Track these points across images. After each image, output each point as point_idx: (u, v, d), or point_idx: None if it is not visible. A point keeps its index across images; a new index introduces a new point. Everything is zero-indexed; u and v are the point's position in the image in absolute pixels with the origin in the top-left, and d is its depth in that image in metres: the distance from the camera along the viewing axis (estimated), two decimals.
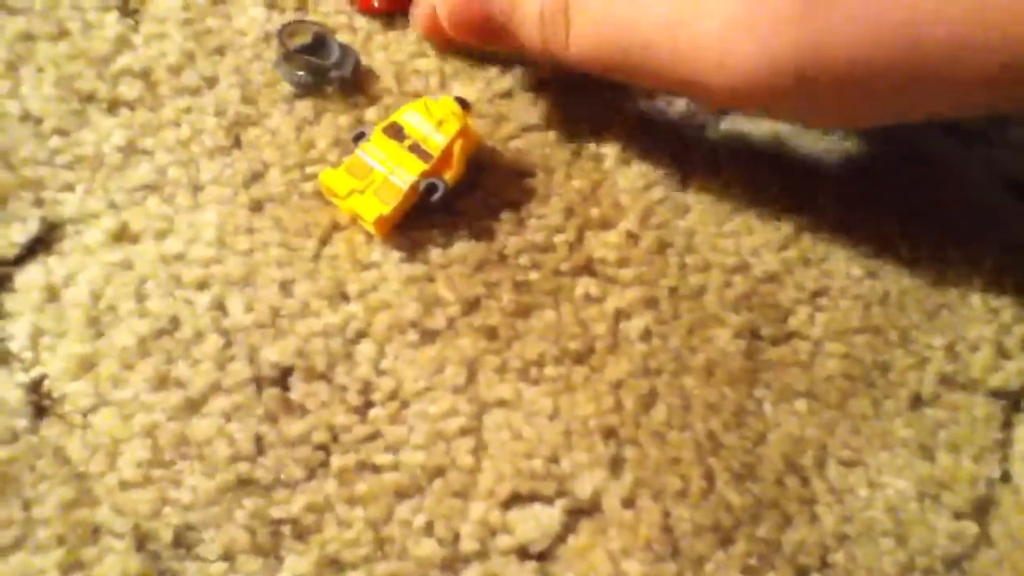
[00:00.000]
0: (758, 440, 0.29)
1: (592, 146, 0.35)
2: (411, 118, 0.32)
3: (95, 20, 0.36)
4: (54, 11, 0.36)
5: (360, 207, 0.30)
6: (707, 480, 0.28)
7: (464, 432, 0.28)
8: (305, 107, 0.35)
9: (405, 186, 0.31)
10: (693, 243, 0.33)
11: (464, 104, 0.33)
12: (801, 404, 0.30)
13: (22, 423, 0.27)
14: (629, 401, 0.29)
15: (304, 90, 0.35)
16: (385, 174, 0.31)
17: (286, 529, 0.27)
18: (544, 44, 0.31)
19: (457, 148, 0.32)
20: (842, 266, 0.33)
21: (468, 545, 0.27)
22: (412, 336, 0.30)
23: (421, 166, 0.31)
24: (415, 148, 0.31)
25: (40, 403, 0.28)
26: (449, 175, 0.31)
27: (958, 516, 0.29)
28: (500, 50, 0.34)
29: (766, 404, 0.30)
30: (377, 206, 0.30)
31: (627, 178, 0.34)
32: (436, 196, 0.31)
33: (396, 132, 0.32)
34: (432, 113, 0.32)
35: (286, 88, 0.35)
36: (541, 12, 0.30)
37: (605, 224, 0.33)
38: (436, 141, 0.31)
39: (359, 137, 0.32)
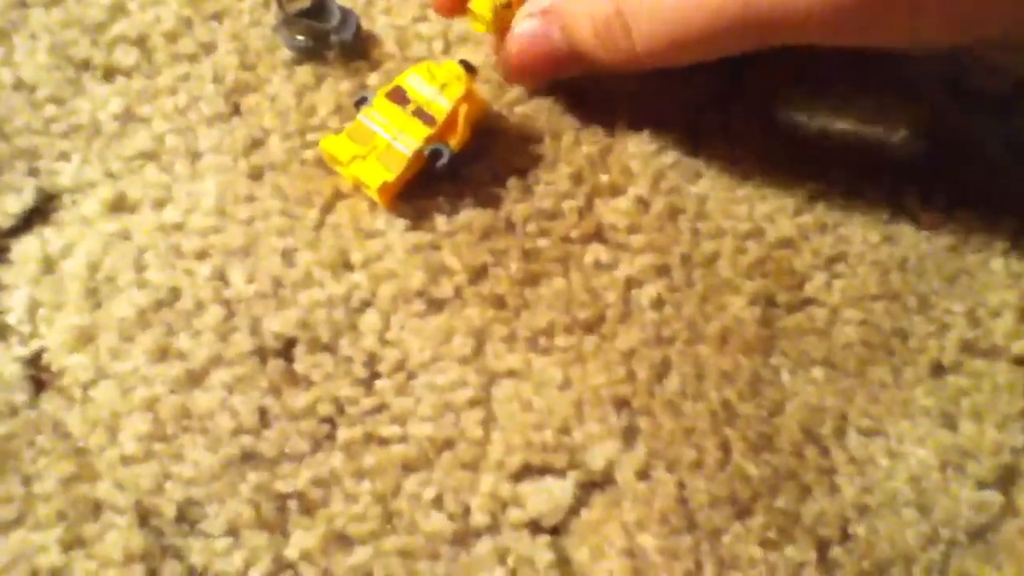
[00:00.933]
0: (775, 409, 0.29)
1: (601, 111, 0.34)
2: (414, 82, 0.31)
3: None
4: None
5: (363, 174, 0.30)
6: (723, 451, 0.28)
7: (473, 403, 0.28)
8: (305, 73, 0.34)
9: (409, 152, 0.30)
10: (705, 209, 0.32)
11: (469, 68, 0.32)
12: (819, 372, 0.29)
13: (21, 397, 0.27)
14: (642, 370, 0.29)
15: (304, 55, 0.34)
16: (388, 140, 0.30)
17: (292, 504, 0.26)
18: (610, 55, 0.30)
19: (462, 113, 0.31)
20: (859, 232, 0.32)
21: (479, 519, 0.26)
22: (418, 306, 0.29)
23: (425, 131, 0.30)
24: (419, 113, 0.30)
25: (39, 377, 0.27)
26: (454, 140, 0.30)
27: (982, 485, 0.28)
28: (581, 75, 0.32)
29: (783, 372, 0.29)
30: (381, 172, 0.29)
31: (637, 143, 0.33)
32: (441, 162, 0.30)
33: (399, 96, 0.31)
34: (436, 77, 0.31)
35: (286, 54, 0.34)
36: (594, 27, 0.30)
37: (615, 190, 0.32)
38: (440, 105, 0.30)
39: (361, 102, 0.31)
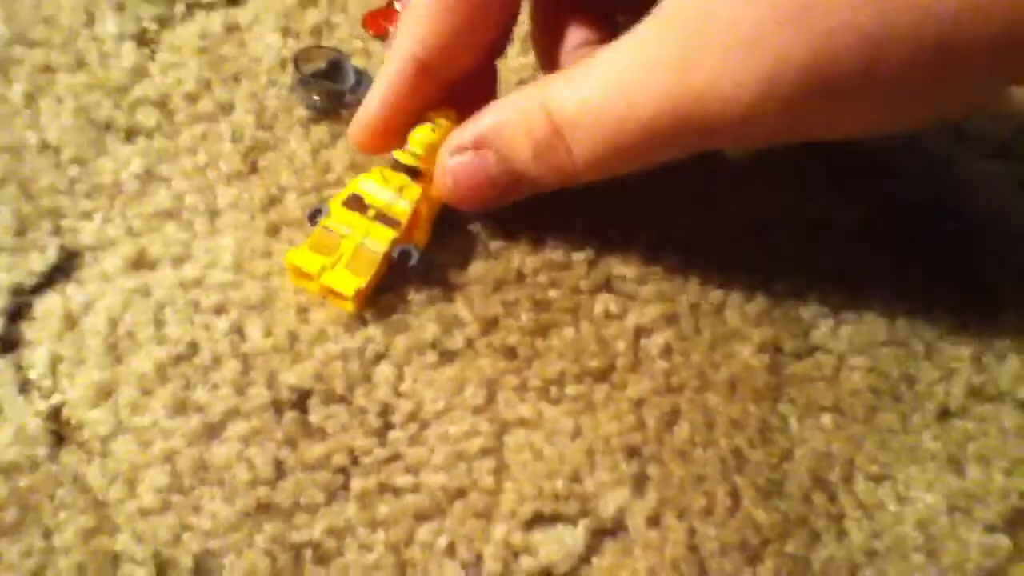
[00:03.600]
0: (784, 456, 0.29)
1: None
2: (369, 187, 0.31)
3: (112, 50, 0.36)
4: (73, 43, 0.36)
5: (335, 282, 0.29)
6: (733, 498, 0.28)
7: (485, 452, 0.28)
8: (321, 131, 0.35)
9: (379, 255, 0.30)
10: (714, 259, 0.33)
11: (414, 173, 0.31)
12: (827, 419, 0.30)
13: (42, 451, 0.27)
14: (652, 419, 0.29)
15: (320, 114, 0.35)
16: (355, 245, 0.30)
17: (307, 554, 0.26)
18: (553, 173, 0.29)
19: (424, 211, 0.31)
20: (865, 278, 0.32)
21: (491, 567, 0.26)
22: (431, 357, 0.30)
23: (391, 233, 0.30)
24: (380, 216, 0.30)
25: (59, 431, 0.28)
26: (420, 240, 0.31)
27: (990, 530, 0.28)
28: (523, 197, 0.31)
29: (791, 419, 0.29)
30: (352, 280, 0.29)
31: (649, 194, 0.34)
32: (412, 262, 0.30)
33: (357, 203, 0.30)
34: (389, 180, 0.31)
35: (302, 113, 0.35)
36: (534, 148, 0.29)
37: (625, 241, 0.33)
38: (402, 207, 0.30)
39: (316, 214, 0.31)
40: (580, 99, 0.28)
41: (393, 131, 0.32)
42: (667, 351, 0.30)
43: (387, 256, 0.30)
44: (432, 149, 0.31)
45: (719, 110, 0.26)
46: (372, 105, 0.32)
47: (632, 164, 0.29)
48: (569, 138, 0.28)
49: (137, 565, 0.26)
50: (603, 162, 0.29)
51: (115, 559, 0.26)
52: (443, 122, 0.32)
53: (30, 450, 0.27)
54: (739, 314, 0.31)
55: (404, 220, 0.30)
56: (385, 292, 0.30)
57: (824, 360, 0.31)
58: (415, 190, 0.31)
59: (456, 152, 0.30)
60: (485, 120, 0.30)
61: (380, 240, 0.30)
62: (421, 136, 0.31)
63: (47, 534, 0.26)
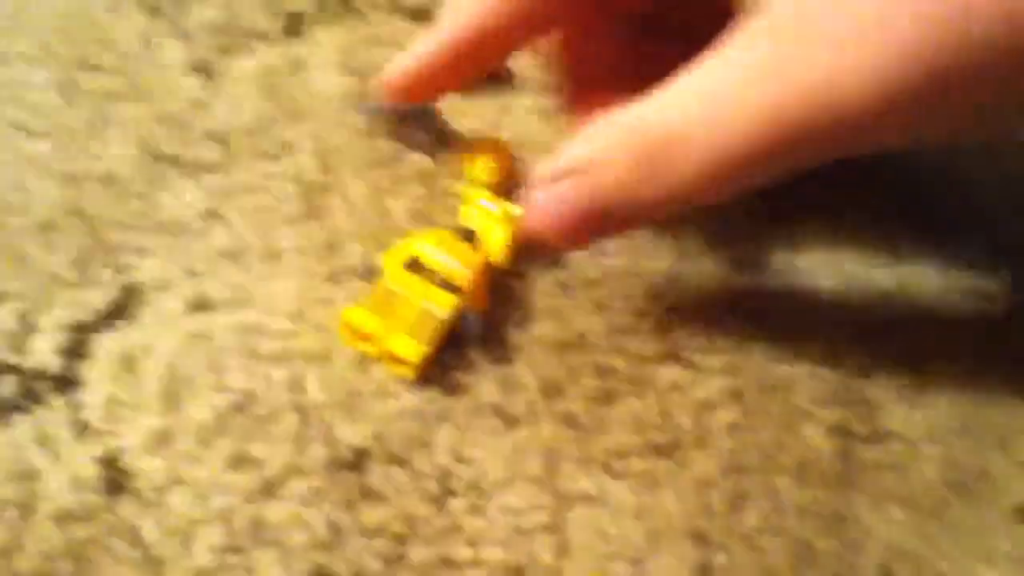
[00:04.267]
0: (854, 548, 0.28)
1: (679, 229, 0.34)
2: (428, 250, 0.30)
3: (177, 82, 0.36)
4: (138, 72, 0.36)
5: (399, 348, 0.28)
6: None
7: (546, 529, 0.27)
8: (382, 176, 0.34)
9: (442, 320, 0.29)
10: (781, 333, 0.32)
11: (469, 236, 0.31)
12: (898, 511, 0.29)
13: (97, 499, 0.26)
14: (718, 501, 0.28)
15: (385, 157, 0.35)
16: (417, 310, 0.29)
17: None
18: (663, 196, 0.26)
19: (483, 276, 0.31)
20: (938, 362, 0.32)
21: None
22: (492, 421, 0.29)
23: (453, 299, 0.29)
24: (441, 282, 0.30)
25: (115, 478, 0.27)
26: (480, 304, 0.30)
27: None
28: (625, 230, 0.29)
29: (862, 509, 0.29)
30: (416, 346, 0.28)
31: (715, 261, 0.33)
32: (474, 331, 0.30)
33: (417, 266, 0.30)
34: (447, 244, 0.31)
35: (364, 155, 0.35)
36: (639, 168, 0.26)
37: (693, 309, 0.32)
38: (462, 273, 0.30)
39: (370, 272, 0.31)
40: (683, 114, 0.25)
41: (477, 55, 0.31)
42: (734, 428, 0.30)
43: (450, 322, 0.29)
44: (487, 217, 0.31)
45: (835, 108, 0.24)
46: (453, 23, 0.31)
47: (743, 179, 0.26)
48: (677, 155, 0.26)
49: None
50: (714, 179, 0.26)
51: None
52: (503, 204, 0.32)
53: (85, 497, 0.26)
54: (807, 393, 0.31)
55: (465, 286, 0.30)
56: (445, 351, 0.30)
57: (895, 447, 0.30)
58: (475, 256, 0.30)
59: (549, 182, 0.28)
60: (578, 146, 0.27)
61: (442, 306, 0.29)
62: (476, 197, 0.32)
63: None
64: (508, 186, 0.33)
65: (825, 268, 0.34)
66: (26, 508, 0.26)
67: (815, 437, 0.30)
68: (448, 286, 0.30)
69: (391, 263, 0.30)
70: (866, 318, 0.33)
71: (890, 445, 0.30)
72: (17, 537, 0.25)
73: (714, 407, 0.30)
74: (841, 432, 0.30)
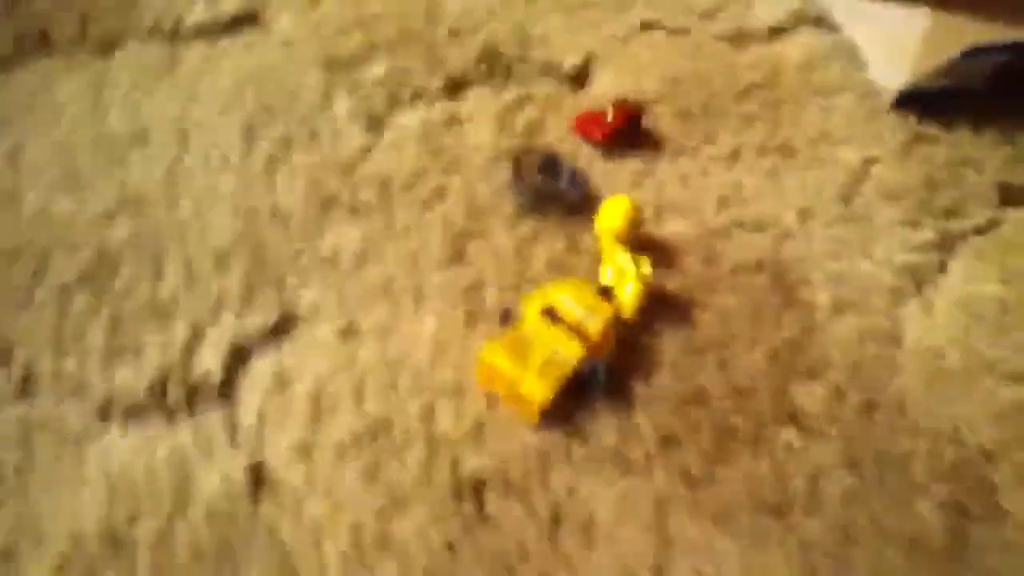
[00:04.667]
0: None
1: (805, 292, 0.35)
2: (564, 300, 0.32)
3: (344, 130, 0.39)
4: (310, 118, 0.40)
5: (526, 388, 0.30)
6: None
7: (651, 570, 0.28)
8: (525, 227, 0.36)
9: (569, 367, 0.31)
10: (903, 405, 0.32)
11: (607, 293, 0.33)
12: None
13: (243, 502, 0.29)
14: (823, 566, 0.29)
15: (530, 209, 0.37)
16: (547, 355, 0.31)
17: None
18: None
19: (612, 330, 0.32)
20: None
21: None
22: (608, 466, 0.30)
23: (581, 349, 0.31)
24: (573, 330, 0.31)
25: (260, 484, 0.30)
26: (606, 357, 0.32)
27: None
28: None
29: None
30: (542, 388, 0.30)
31: (838, 330, 0.34)
32: (599, 378, 0.31)
33: (552, 314, 0.32)
34: (583, 296, 0.32)
35: (508, 206, 0.37)
36: None
37: (812, 375, 0.33)
38: (593, 325, 0.31)
39: (507, 315, 0.33)
40: None
41: None
42: (846, 497, 0.30)
43: (576, 370, 0.31)
44: (621, 274, 0.33)
45: None
46: None
47: None
48: None
49: None
50: None
51: None
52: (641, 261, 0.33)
53: (233, 499, 0.29)
54: (926, 467, 0.31)
55: (595, 338, 0.31)
56: (570, 396, 0.31)
57: (1013, 532, 0.29)
58: (607, 308, 0.32)
59: None
60: None
61: (571, 354, 0.31)
62: (619, 266, 0.33)
63: None
64: (635, 241, 0.34)
65: (958, 346, 0.34)
66: (181, 502, 0.29)
67: (928, 511, 0.30)
68: (579, 335, 0.31)
69: (529, 310, 0.32)
70: (998, 396, 0.33)
71: (1007, 529, 0.30)
72: (171, 529, 0.28)
73: (829, 473, 0.31)
74: (956, 510, 0.30)
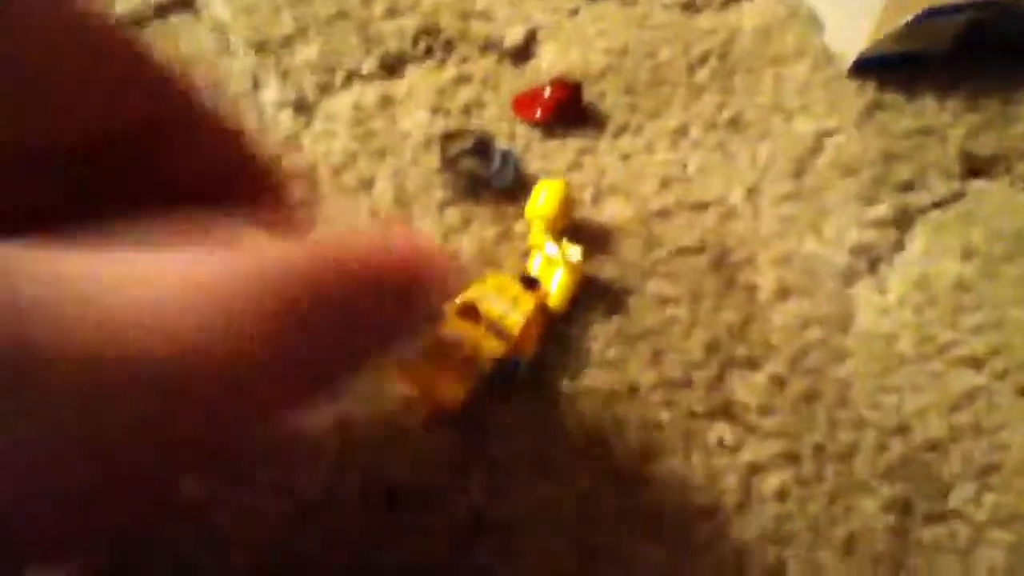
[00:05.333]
0: None
1: (748, 275, 0.33)
2: (485, 298, 0.30)
3: (272, 117, 0.38)
4: (238, 104, 0.38)
5: (440, 390, 0.29)
6: None
7: None
8: (454, 215, 0.35)
9: (487, 366, 0.29)
10: (848, 396, 0.30)
11: (531, 283, 0.31)
12: None
13: None
14: (754, 571, 0.27)
15: (461, 194, 0.35)
16: (464, 355, 0.29)
17: None
18: None
19: (535, 323, 0.30)
20: (1019, 439, 0.29)
21: None
22: (528, 469, 0.29)
23: (501, 347, 0.29)
24: (493, 327, 0.29)
25: None
26: (529, 350, 0.30)
27: None
28: None
29: None
30: (456, 390, 0.29)
31: (782, 315, 0.32)
32: (520, 376, 0.30)
33: (471, 313, 0.30)
34: (506, 290, 0.30)
35: (438, 195, 0.35)
36: None
37: (751, 364, 0.31)
38: (514, 320, 0.30)
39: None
40: None
41: None
42: (781, 495, 0.28)
43: (495, 368, 0.29)
44: (549, 263, 0.31)
45: None
46: None
47: None
48: None
49: None
50: None
51: None
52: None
53: None
54: (869, 463, 0.29)
55: (515, 332, 0.29)
56: (491, 396, 0.30)
57: (959, 529, 0.28)
58: (528, 301, 0.30)
59: None
60: None
61: (488, 352, 0.29)
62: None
63: None
64: (571, 227, 0.33)
65: (909, 332, 0.32)
66: None
67: (871, 511, 0.28)
68: (500, 332, 0.30)
69: (450, 310, 0.30)
70: (949, 386, 0.31)
71: (953, 526, 0.28)
72: None
73: (764, 470, 0.29)
74: (901, 508, 0.28)
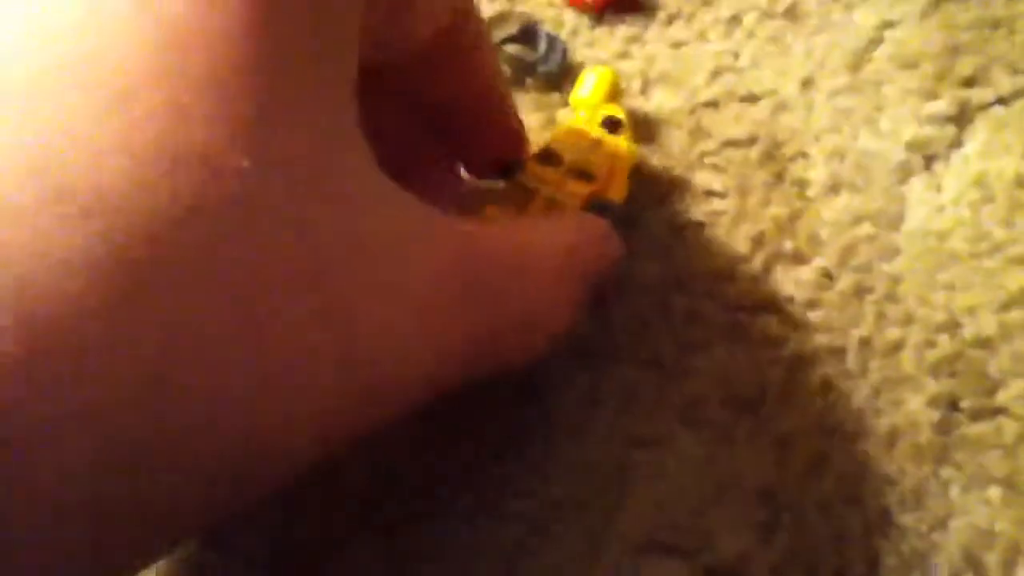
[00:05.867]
0: (937, 525, 0.26)
1: (799, 169, 0.32)
2: (563, 140, 0.29)
3: None
4: None
5: None
6: (869, 564, 0.25)
7: (609, 467, 0.27)
8: None
9: (574, 209, 0.28)
10: (897, 291, 0.30)
11: (615, 123, 0.30)
12: (995, 492, 0.26)
13: None
14: (795, 462, 0.27)
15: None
16: (549, 198, 0.28)
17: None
18: None
19: (620, 166, 0.29)
20: None
21: None
22: (567, 355, 0.29)
23: (587, 187, 0.28)
24: (575, 171, 0.28)
25: None
26: (617, 194, 0.29)
27: None
28: None
29: (953, 486, 0.26)
30: None
31: (832, 209, 0.31)
32: (611, 217, 0.28)
33: (550, 158, 0.28)
34: (585, 136, 0.29)
35: None
36: None
37: (799, 258, 0.30)
38: (596, 160, 0.28)
39: (507, 171, 0.29)
40: None
41: None
42: (825, 388, 0.28)
43: (582, 211, 0.28)
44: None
45: None
46: None
47: None
48: None
49: None
50: None
51: None
52: None
53: None
54: (916, 359, 0.28)
55: (600, 174, 0.28)
56: None
57: (1006, 425, 0.27)
58: (611, 142, 0.29)
59: None
60: None
61: (574, 194, 0.28)
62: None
63: None
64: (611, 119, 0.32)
65: (963, 229, 0.31)
66: None
67: (915, 405, 0.28)
68: (584, 175, 0.28)
69: (527, 160, 0.29)
70: (1004, 283, 0.30)
71: (999, 422, 0.27)
72: None
73: (810, 364, 0.28)
74: (947, 404, 0.28)
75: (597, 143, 0.29)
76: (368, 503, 0.26)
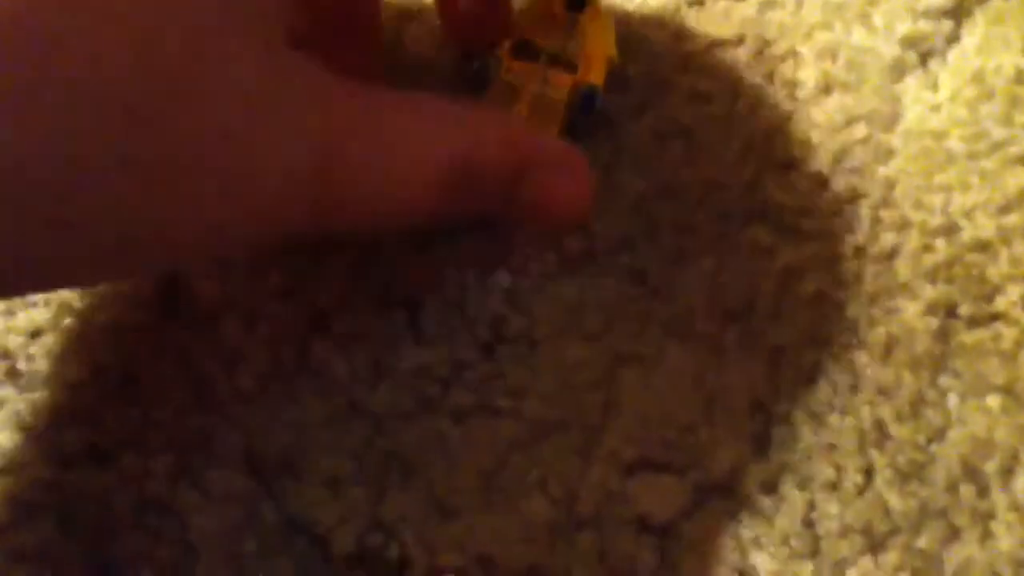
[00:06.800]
0: (935, 436, 0.25)
1: (789, 69, 0.31)
2: (536, 31, 0.28)
3: None
4: None
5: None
6: (865, 475, 0.25)
7: (594, 386, 0.26)
8: None
9: (561, 101, 0.27)
10: (892, 196, 0.28)
11: (578, 5, 0.29)
12: (994, 400, 0.25)
13: (151, 319, 0.27)
14: (787, 373, 0.26)
15: None
16: (537, 93, 0.27)
17: (393, 462, 0.25)
18: None
19: (597, 47, 0.28)
20: None
21: (584, 508, 0.25)
22: (551, 268, 0.27)
23: (570, 78, 0.27)
24: (554, 61, 0.28)
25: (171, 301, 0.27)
26: (597, 78, 0.28)
27: None
28: None
29: (951, 395, 0.26)
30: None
31: (824, 112, 0.30)
32: (597, 105, 0.28)
33: (527, 50, 0.28)
34: (556, 22, 0.28)
35: None
36: None
37: (790, 164, 0.29)
38: (573, 48, 0.28)
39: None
40: None
41: None
42: (818, 298, 0.27)
43: (570, 101, 0.28)
44: None
45: None
46: None
47: None
48: None
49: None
50: None
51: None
52: None
53: (140, 315, 0.27)
54: (912, 265, 0.27)
55: (579, 62, 0.28)
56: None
57: (1004, 332, 0.26)
58: (583, 25, 0.28)
59: None
60: None
61: (560, 86, 0.27)
62: None
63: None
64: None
65: (960, 129, 0.30)
66: (83, 321, 0.27)
67: (912, 313, 0.27)
68: (564, 64, 0.28)
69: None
70: (1002, 185, 0.29)
71: (998, 328, 0.26)
72: (72, 345, 0.26)
73: (802, 273, 0.27)
74: (944, 311, 0.27)
75: (570, 27, 0.28)
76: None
